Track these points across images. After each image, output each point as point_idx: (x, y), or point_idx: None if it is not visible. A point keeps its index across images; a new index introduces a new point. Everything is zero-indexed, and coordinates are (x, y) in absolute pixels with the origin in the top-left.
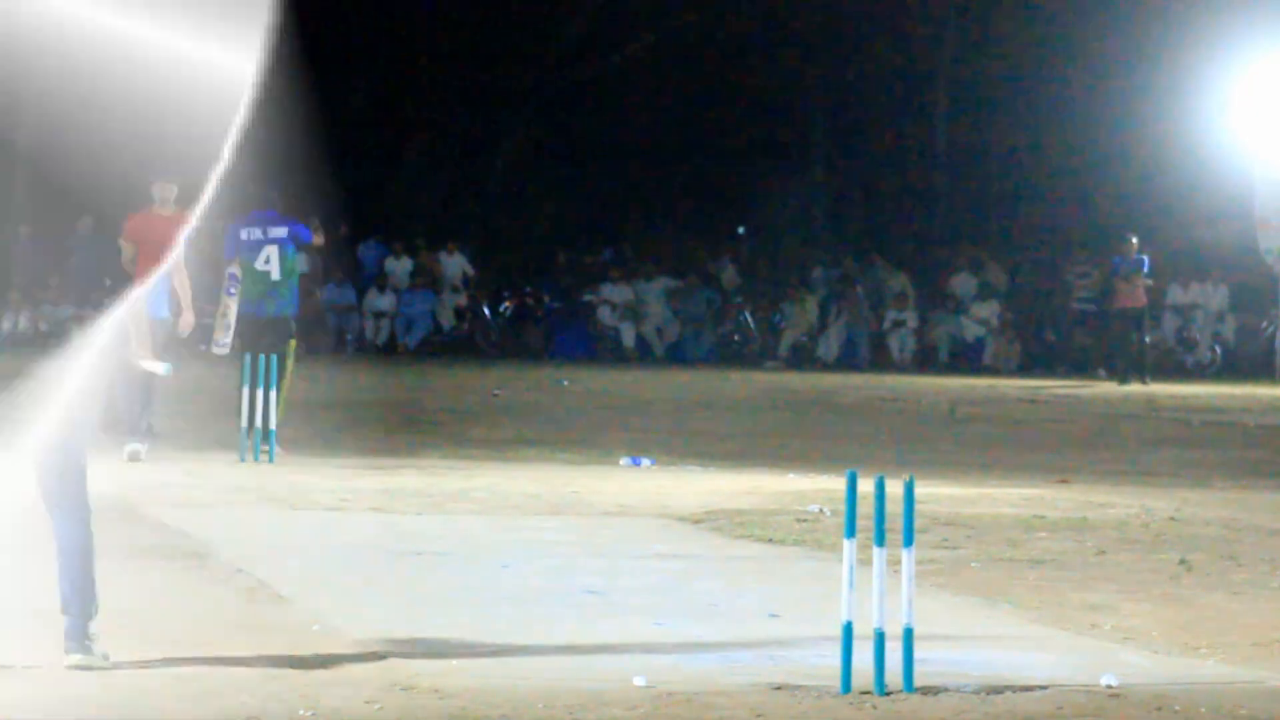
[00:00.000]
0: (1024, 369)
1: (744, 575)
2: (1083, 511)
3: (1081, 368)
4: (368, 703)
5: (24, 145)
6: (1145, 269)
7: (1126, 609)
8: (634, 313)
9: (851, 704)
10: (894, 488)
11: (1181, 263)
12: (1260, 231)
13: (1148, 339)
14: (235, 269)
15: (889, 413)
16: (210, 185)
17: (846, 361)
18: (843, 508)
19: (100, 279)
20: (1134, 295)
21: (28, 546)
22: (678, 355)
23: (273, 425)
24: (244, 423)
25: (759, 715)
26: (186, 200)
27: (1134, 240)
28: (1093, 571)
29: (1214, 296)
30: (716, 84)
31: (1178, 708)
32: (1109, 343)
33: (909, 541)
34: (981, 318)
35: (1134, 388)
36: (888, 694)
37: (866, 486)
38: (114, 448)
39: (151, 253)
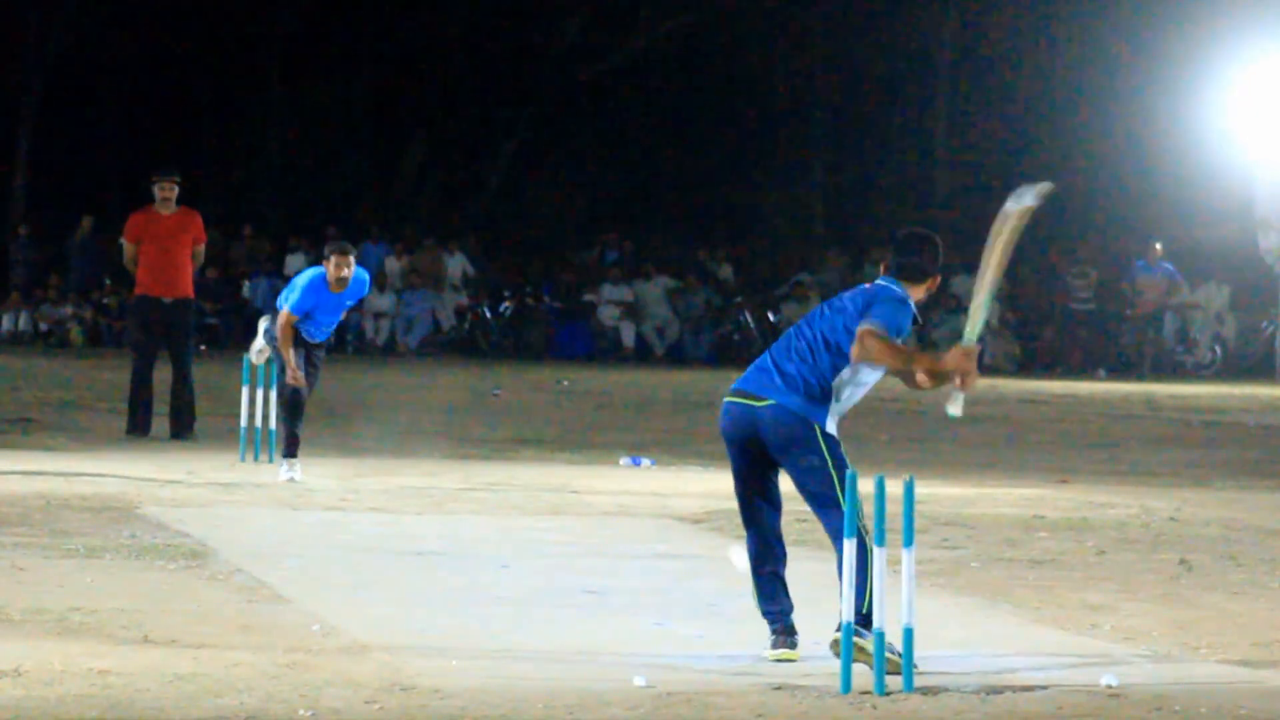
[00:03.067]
0: (1024, 369)
1: (744, 575)
2: (1083, 511)
3: (1081, 368)
4: (368, 703)
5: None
6: (1176, 279)
7: (1126, 609)
8: (634, 313)
9: (851, 704)
10: (894, 488)
11: (1182, 263)
12: (1260, 231)
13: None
14: None
15: (889, 413)
16: None
17: None
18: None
19: (100, 279)
20: (1150, 300)
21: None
22: (678, 355)
23: (272, 425)
24: (244, 422)
25: (759, 715)
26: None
27: (1158, 247)
28: (1093, 571)
29: (1214, 296)
30: (716, 84)
31: (1178, 708)
32: (1120, 342)
33: (909, 541)
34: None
35: (1106, 384)
36: (888, 694)
37: (867, 486)
38: (133, 446)
39: (153, 251)
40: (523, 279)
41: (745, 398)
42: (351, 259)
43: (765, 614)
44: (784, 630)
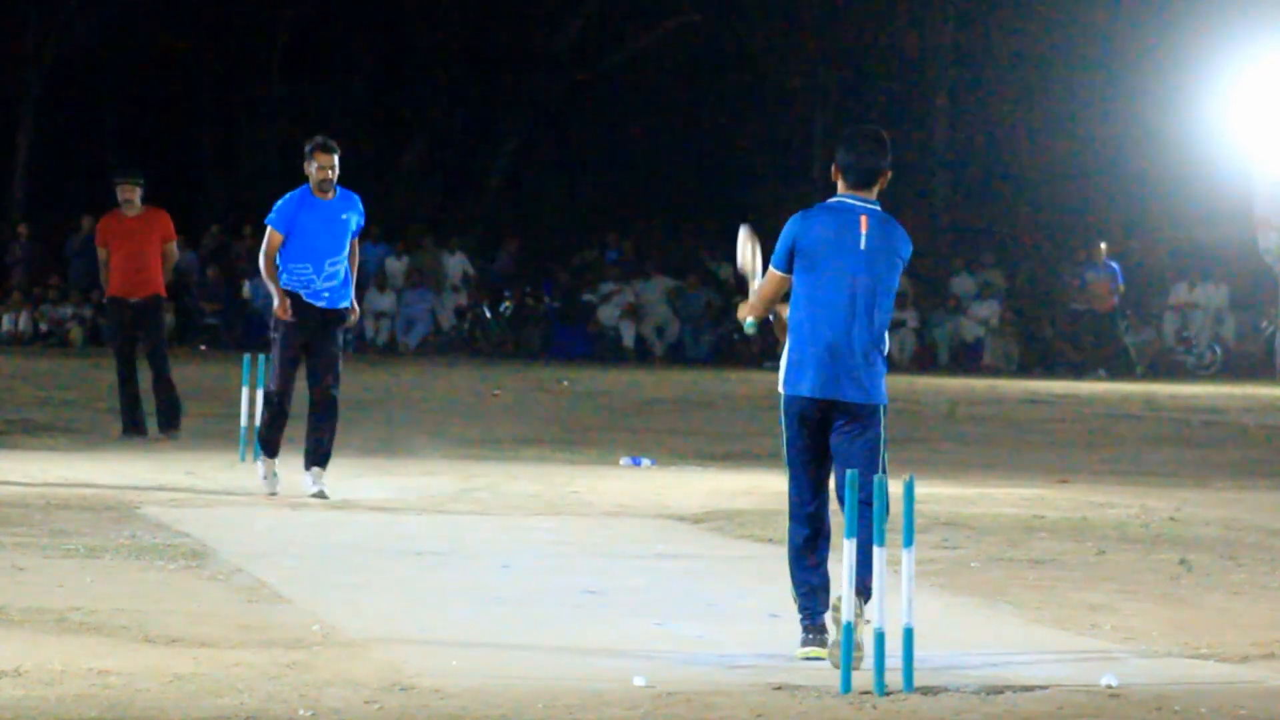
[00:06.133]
0: (1024, 369)
1: (744, 575)
2: (1083, 511)
3: (1081, 368)
4: (368, 703)
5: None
6: (1118, 279)
7: (1126, 609)
8: (634, 313)
9: (851, 704)
10: (894, 488)
11: (1181, 263)
12: (1260, 231)
13: (1129, 339)
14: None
15: (889, 413)
16: None
17: None
18: (842, 507)
19: (95, 279)
20: (1101, 299)
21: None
22: (678, 355)
23: None
24: (244, 422)
25: (759, 715)
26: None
27: (1103, 246)
28: (1093, 571)
29: (1214, 296)
30: (716, 84)
31: (1178, 708)
32: (1085, 341)
33: (909, 541)
34: (981, 318)
35: (1106, 384)
36: (888, 694)
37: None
38: (126, 446)
39: (123, 253)
40: (523, 279)
41: None
42: (335, 159)
43: (802, 609)
44: (817, 628)
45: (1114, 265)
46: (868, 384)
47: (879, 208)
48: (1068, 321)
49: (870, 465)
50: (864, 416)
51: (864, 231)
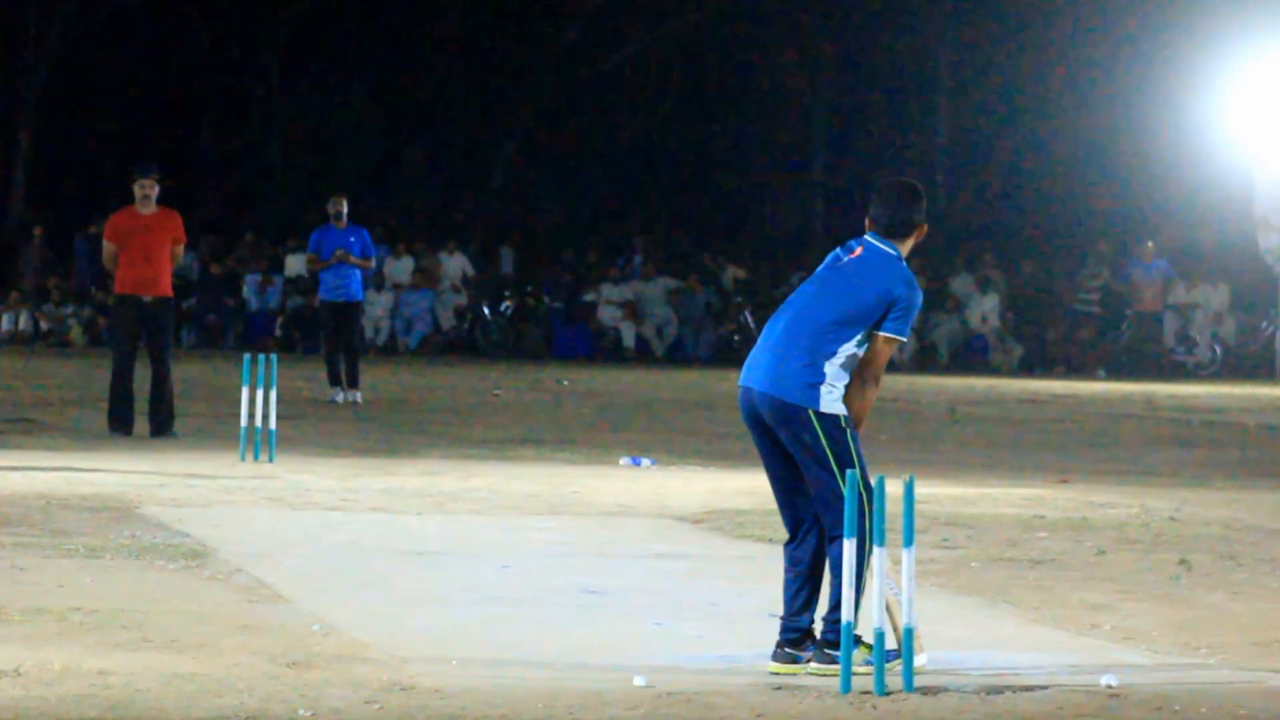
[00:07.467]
0: (1024, 369)
1: (744, 575)
2: (1083, 511)
3: (1081, 368)
4: (368, 703)
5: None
6: (1168, 274)
7: (1126, 609)
8: (634, 313)
9: (851, 704)
10: (894, 488)
11: (1181, 263)
12: (1260, 231)
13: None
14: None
15: (889, 413)
16: None
17: None
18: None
19: (102, 278)
20: (1150, 299)
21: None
22: (678, 355)
23: (273, 425)
24: (244, 422)
25: (759, 715)
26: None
27: (1150, 245)
28: (1093, 571)
29: (1214, 296)
30: (716, 84)
31: (1178, 708)
32: (1124, 343)
33: (909, 541)
34: (982, 317)
35: (1106, 383)
36: (888, 694)
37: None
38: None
39: (133, 250)
40: (523, 279)
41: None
42: (345, 199)
43: (781, 618)
44: (786, 643)
45: (1164, 263)
46: (789, 381)
47: (893, 252)
48: (1073, 322)
49: (818, 474)
50: (791, 421)
51: (850, 257)
